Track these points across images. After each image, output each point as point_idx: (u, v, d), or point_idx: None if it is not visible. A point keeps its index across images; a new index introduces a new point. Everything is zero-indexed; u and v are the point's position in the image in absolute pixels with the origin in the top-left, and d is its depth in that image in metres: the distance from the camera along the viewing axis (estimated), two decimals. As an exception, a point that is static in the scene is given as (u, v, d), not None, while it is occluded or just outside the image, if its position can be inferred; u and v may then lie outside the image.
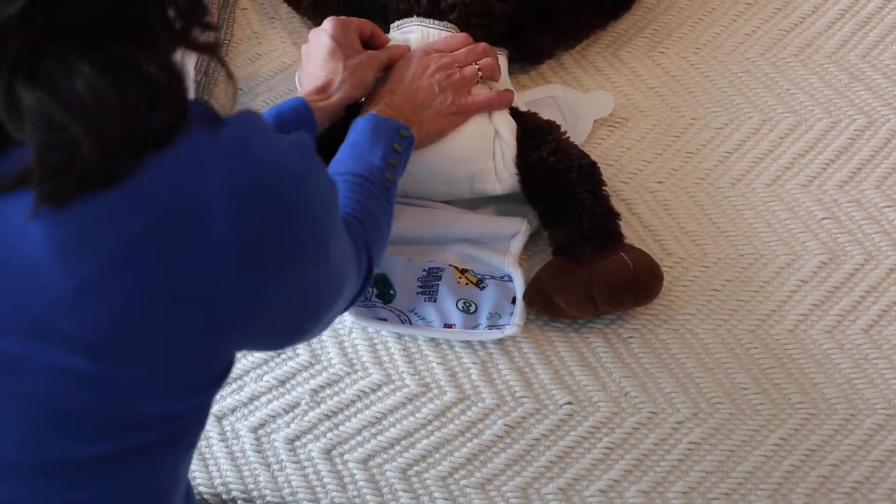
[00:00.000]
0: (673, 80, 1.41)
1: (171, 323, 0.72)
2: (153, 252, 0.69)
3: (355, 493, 1.16)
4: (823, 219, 1.29)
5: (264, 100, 1.44)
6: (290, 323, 0.84)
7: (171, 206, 0.69)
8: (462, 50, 1.27)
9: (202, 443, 1.19)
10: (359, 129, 1.15)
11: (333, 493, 1.16)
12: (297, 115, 1.16)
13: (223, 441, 1.19)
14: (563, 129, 1.29)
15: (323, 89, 1.21)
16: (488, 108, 1.27)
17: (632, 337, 1.23)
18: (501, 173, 1.26)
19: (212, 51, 0.74)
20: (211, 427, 1.20)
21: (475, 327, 1.23)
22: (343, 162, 1.11)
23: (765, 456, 1.15)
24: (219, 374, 0.81)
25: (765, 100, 1.39)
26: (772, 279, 1.25)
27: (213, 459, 1.19)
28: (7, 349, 0.72)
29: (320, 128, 1.20)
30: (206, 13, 0.73)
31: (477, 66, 1.26)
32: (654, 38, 1.45)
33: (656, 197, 1.32)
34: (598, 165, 1.26)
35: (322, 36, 1.24)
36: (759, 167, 1.33)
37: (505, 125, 1.27)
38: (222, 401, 1.21)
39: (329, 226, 0.82)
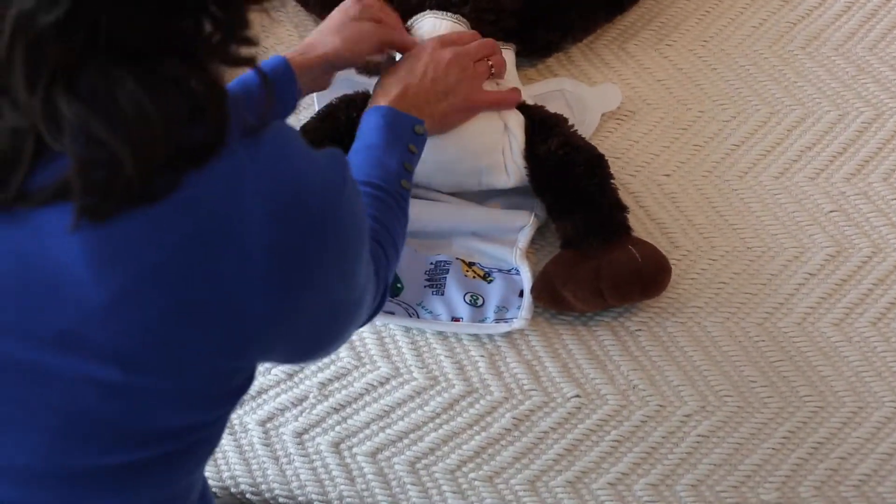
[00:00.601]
0: (680, 72, 1.42)
1: (202, 334, 0.73)
2: (188, 265, 0.70)
3: (364, 486, 1.17)
4: (831, 211, 1.30)
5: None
6: (314, 336, 0.84)
7: (208, 220, 0.70)
8: (473, 44, 1.26)
9: (211, 436, 1.20)
10: (374, 125, 1.13)
11: (342, 487, 1.17)
12: (274, 74, 1.12)
13: (231, 434, 1.20)
14: (570, 123, 1.29)
15: (309, 45, 1.18)
16: (499, 106, 1.27)
17: (640, 330, 1.23)
18: (510, 167, 1.26)
19: (248, 65, 0.74)
20: (220, 420, 1.21)
21: (482, 321, 1.24)
22: (359, 168, 1.08)
23: (773, 449, 1.15)
24: (241, 386, 0.82)
25: (772, 92, 1.39)
26: (779, 272, 1.26)
27: (221, 453, 1.19)
28: (37, 358, 0.72)
29: (303, 89, 1.16)
30: (247, 27, 0.72)
31: (489, 63, 1.26)
32: (661, 31, 1.46)
33: (664, 189, 1.33)
34: (606, 158, 1.27)
35: (340, 8, 1.22)
36: (767, 160, 1.34)
37: (513, 119, 1.28)
38: (231, 394, 1.22)
39: (360, 241, 0.82)
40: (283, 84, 1.14)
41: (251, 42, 0.73)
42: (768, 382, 1.19)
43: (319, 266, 0.75)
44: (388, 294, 1.03)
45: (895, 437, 1.15)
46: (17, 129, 0.66)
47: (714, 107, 1.39)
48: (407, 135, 1.13)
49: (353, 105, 1.30)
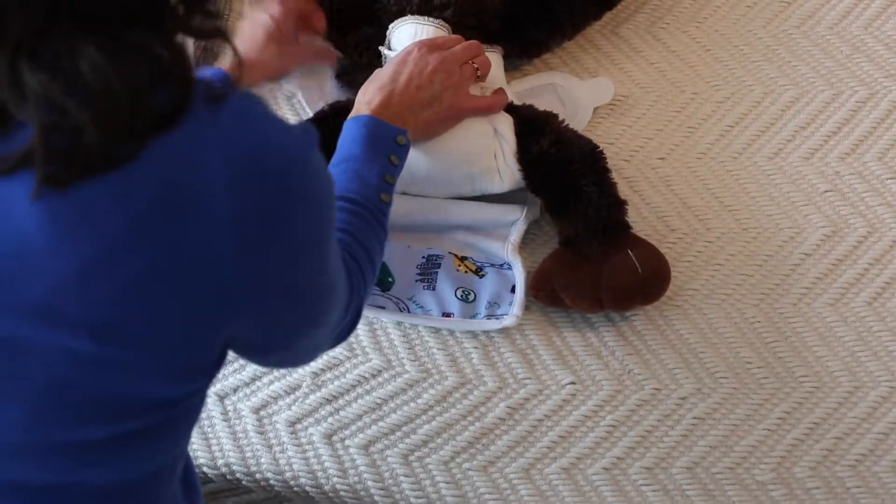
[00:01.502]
0: (673, 55, 1.46)
1: (172, 301, 0.76)
2: (154, 233, 0.73)
3: (356, 478, 1.20)
4: (826, 191, 1.34)
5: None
6: (284, 318, 0.87)
7: (172, 186, 0.73)
8: (458, 47, 1.28)
9: (205, 421, 1.24)
10: (355, 135, 1.15)
11: (335, 479, 1.20)
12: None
13: (225, 420, 1.24)
14: (561, 118, 1.32)
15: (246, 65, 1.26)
16: (485, 112, 1.28)
17: (635, 314, 1.28)
18: (503, 171, 1.28)
19: (215, 36, 0.77)
20: (213, 406, 1.25)
21: (474, 316, 1.27)
22: (337, 181, 1.09)
23: (769, 430, 1.20)
24: (214, 362, 0.85)
25: (766, 72, 1.44)
26: (775, 253, 1.31)
27: (215, 439, 1.23)
28: (13, 331, 0.76)
29: None
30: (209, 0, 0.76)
31: (475, 65, 1.28)
32: (654, 14, 1.50)
33: (658, 173, 1.37)
34: (601, 149, 1.29)
35: (261, 15, 1.30)
36: (761, 140, 1.39)
37: (502, 121, 1.29)
38: (224, 380, 1.26)
39: (327, 213, 0.85)
40: None
41: (214, 15, 0.76)
42: (764, 363, 1.24)
43: (287, 232, 0.78)
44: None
45: (891, 417, 1.20)
46: None
47: (707, 88, 1.43)
48: (389, 146, 1.15)
49: (345, 113, 1.27)
